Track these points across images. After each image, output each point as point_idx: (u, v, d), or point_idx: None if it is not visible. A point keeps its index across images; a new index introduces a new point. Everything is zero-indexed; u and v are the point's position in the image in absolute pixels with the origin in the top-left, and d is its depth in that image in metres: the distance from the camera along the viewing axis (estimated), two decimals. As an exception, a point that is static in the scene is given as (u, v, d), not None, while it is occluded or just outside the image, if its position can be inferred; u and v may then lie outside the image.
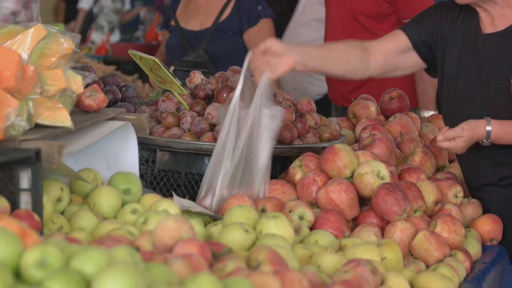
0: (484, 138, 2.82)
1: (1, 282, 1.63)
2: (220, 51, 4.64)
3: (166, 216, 2.14)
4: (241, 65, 2.80)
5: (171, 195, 2.84)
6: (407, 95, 3.67)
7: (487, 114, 2.84)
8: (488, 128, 2.81)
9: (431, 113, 4.46)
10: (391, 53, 3.06)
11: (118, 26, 11.06)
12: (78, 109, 2.56)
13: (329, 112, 5.01)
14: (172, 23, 4.83)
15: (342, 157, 2.70)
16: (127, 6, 11.82)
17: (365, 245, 2.36)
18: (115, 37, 10.63)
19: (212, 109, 3.01)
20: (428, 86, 4.62)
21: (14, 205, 2.13)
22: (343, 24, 4.92)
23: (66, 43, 2.40)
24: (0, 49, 2.21)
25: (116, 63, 8.70)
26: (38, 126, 2.29)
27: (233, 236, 2.32)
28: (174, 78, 3.04)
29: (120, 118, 2.63)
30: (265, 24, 4.79)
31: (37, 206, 2.14)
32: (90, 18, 11.04)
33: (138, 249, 2.07)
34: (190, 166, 3.09)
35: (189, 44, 4.71)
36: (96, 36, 10.41)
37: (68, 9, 11.53)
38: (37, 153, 2.11)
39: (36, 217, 2.09)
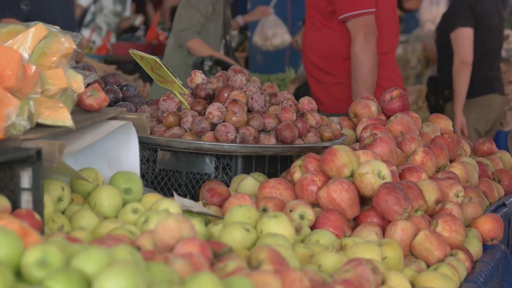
0: None
1: (2, 282, 1.63)
2: None
3: (167, 215, 2.14)
4: None
5: (172, 195, 2.84)
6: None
7: None
8: None
9: None
10: None
11: (115, 31, 11.05)
12: (79, 109, 2.56)
13: None
14: None
15: (341, 157, 2.70)
16: (128, 12, 11.79)
17: (366, 245, 2.36)
18: (111, 39, 10.63)
19: (213, 109, 3.01)
20: (358, 84, 4.74)
21: (15, 204, 2.13)
22: (306, 22, 5.10)
23: (67, 42, 2.40)
24: (1, 48, 2.22)
25: (117, 63, 8.71)
26: (39, 126, 2.29)
27: (234, 235, 2.32)
28: (175, 77, 3.05)
29: (121, 118, 2.63)
30: None
31: (38, 205, 2.14)
32: (84, 16, 11.01)
33: (139, 248, 2.08)
34: (191, 165, 3.09)
35: None
36: (93, 37, 10.41)
37: None
38: (38, 152, 2.11)
39: (37, 216, 2.09)
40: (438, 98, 6.57)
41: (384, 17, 4.95)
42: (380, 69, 4.88)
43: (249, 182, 2.91)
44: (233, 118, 2.98)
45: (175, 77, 3.05)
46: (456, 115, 6.24)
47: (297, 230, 2.48)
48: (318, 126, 3.17)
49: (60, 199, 2.40)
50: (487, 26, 6.34)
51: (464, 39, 6.24)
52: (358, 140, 3.36)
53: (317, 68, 5.03)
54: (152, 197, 2.56)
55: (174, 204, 2.45)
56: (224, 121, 3.00)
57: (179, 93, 3.12)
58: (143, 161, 3.15)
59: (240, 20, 8.05)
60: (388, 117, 3.44)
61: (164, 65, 3.01)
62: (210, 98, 3.17)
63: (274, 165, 3.20)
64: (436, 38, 6.69)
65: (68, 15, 5.65)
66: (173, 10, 9.02)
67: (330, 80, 4.99)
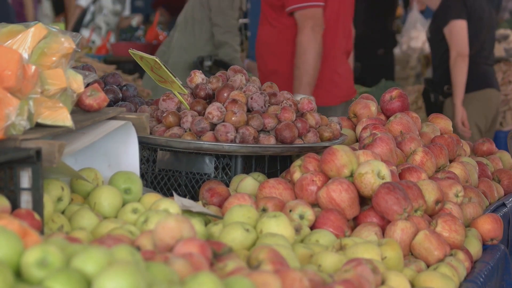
0: None
1: (2, 282, 1.63)
2: None
3: (167, 215, 2.14)
4: None
5: (171, 195, 2.84)
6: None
7: None
8: None
9: (300, 96, 4.72)
10: None
11: (115, 30, 11.04)
12: (79, 109, 2.56)
13: None
14: None
15: (340, 156, 2.70)
16: (127, 11, 11.77)
17: (365, 245, 2.36)
18: (111, 39, 10.62)
19: (212, 109, 3.01)
20: (301, 72, 4.77)
21: (15, 204, 2.13)
22: (260, 19, 5.18)
23: (66, 42, 2.40)
24: (1, 48, 2.22)
25: (117, 63, 8.71)
26: (38, 126, 2.29)
27: (234, 235, 2.32)
28: (175, 77, 3.05)
29: (120, 118, 2.63)
30: None
31: (38, 205, 2.14)
32: (83, 16, 11.01)
33: (138, 248, 2.08)
34: (190, 165, 3.09)
35: None
36: (93, 36, 10.41)
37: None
38: (38, 152, 2.11)
39: (37, 216, 2.09)
40: (437, 94, 6.57)
41: (330, 17, 4.97)
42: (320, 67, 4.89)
43: (248, 182, 2.91)
44: (233, 118, 2.98)
45: (175, 77, 3.04)
46: (456, 107, 6.23)
47: (297, 230, 2.48)
48: (317, 126, 3.17)
49: (60, 199, 2.40)
50: (480, 19, 6.36)
51: (458, 31, 6.25)
52: (357, 140, 3.36)
53: (266, 66, 5.10)
54: (152, 197, 2.56)
55: (173, 204, 2.45)
56: (223, 121, 3.00)
57: (178, 93, 3.12)
58: (143, 161, 3.15)
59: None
60: (387, 117, 3.44)
61: (164, 65, 3.01)
62: (210, 98, 3.17)
63: (273, 165, 3.20)
64: (430, 37, 6.69)
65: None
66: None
67: (274, 81, 5.04)
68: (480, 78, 6.40)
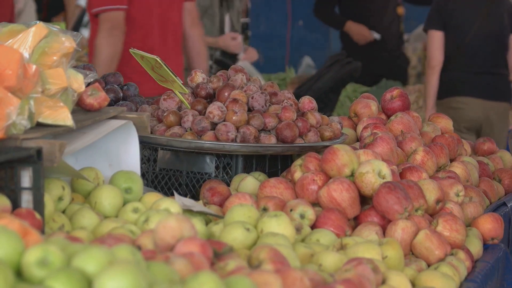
0: None
1: (3, 281, 1.63)
2: None
3: (168, 215, 2.14)
4: None
5: (172, 194, 2.84)
6: None
7: None
8: None
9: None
10: None
11: None
12: (80, 108, 2.56)
13: None
14: None
15: (341, 156, 2.70)
16: None
17: (366, 244, 2.36)
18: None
19: (213, 108, 3.01)
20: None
21: (16, 203, 2.13)
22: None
23: (67, 42, 2.40)
24: (2, 48, 2.22)
25: (118, 62, 8.68)
26: (39, 125, 2.29)
27: (235, 235, 2.32)
28: (176, 77, 3.04)
29: (121, 117, 2.63)
30: None
31: (39, 204, 2.14)
32: (83, 16, 10.96)
33: (139, 248, 2.08)
34: (191, 165, 3.09)
35: None
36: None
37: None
38: (39, 152, 2.11)
39: (38, 215, 2.09)
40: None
41: (139, 16, 5.05)
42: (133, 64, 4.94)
43: (249, 182, 2.91)
44: (234, 118, 2.98)
45: (176, 77, 3.04)
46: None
47: (298, 229, 2.49)
48: (318, 125, 3.17)
49: (60, 199, 2.40)
50: (458, 26, 6.22)
51: (430, 41, 6.25)
52: (358, 139, 3.36)
53: None
54: (153, 197, 2.56)
55: (174, 204, 2.45)
56: (224, 121, 3.00)
57: (179, 92, 3.12)
58: (144, 160, 3.15)
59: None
60: (388, 116, 3.44)
61: (165, 64, 3.01)
62: (211, 98, 3.17)
63: (274, 164, 3.20)
64: None
65: None
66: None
67: None
68: (450, 86, 6.27)
